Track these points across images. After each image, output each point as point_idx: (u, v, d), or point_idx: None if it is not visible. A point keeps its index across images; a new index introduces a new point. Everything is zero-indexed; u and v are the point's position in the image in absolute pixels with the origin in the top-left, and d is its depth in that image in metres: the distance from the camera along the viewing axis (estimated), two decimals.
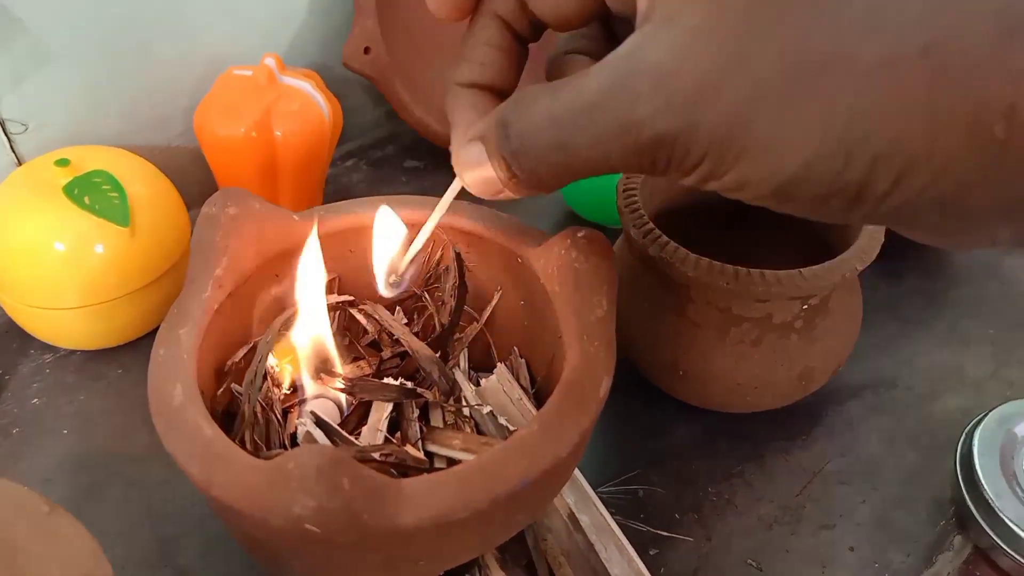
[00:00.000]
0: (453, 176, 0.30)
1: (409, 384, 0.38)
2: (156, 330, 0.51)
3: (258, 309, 0.40)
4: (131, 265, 0.48)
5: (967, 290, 0.56)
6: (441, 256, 0.42)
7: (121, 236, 0.47)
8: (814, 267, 0.40)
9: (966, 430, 0.44)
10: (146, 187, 0.49)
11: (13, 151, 0.52)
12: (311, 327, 0.37)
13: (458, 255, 0.41)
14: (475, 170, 0.28)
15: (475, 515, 0.30)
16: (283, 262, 0.40)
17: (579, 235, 0.36)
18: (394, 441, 0.37)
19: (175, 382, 0.33)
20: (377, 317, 0.41)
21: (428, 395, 0.38)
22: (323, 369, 0.37)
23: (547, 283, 0.38)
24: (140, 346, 0.52)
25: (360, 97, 0.69)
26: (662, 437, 0.47)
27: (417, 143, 0.69)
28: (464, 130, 0.29)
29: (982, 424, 0.44)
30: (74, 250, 0.46)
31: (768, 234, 0.50)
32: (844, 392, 0.49)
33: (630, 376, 0.50)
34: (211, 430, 0.32)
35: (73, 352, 0.52)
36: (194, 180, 0.57)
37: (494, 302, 0.41)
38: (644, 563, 0.38)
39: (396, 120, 0.67)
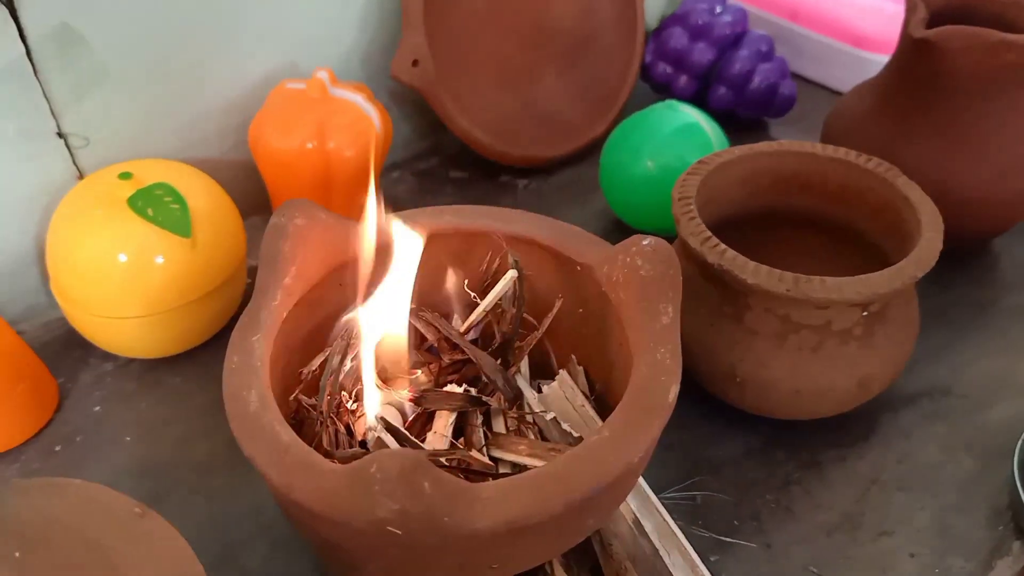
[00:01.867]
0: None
1: (473, 391, 0.39)
2: (214, 339, 0.53)
3: (323, 316, 0.41)
4: (191, 275, 0.49)
5: (1017, 297, 0.56)
6: (499, 264, 0.43)
7: (182, 247, 0.48)
8: (874, 274, 0.41)
9: (1023, 437, 0.44)
10: (205, 199, 0.50)
11: (75, 164, 0.53)
12: (388, 329, 0.38)
13: (516, 263, 0.41)
14: None
15: (549, 520, 0.30)
16: (348, 270, 0.41)
17: (644, 243, 0.37)
18: (459, 446, 0.38)
19: (250, 389, 0.34)
20: (437, 325, 0.42)
21: (492, 402, 0.39)
22: (391, 373, 0.38)
23: (610, 291, 0.38)
24: (198, 355, 0.53)
25: (405, 109, 0.70)
26: (720, 445, 0.47)
27: (462, 154, 0.69)
28: None
29: None
30: (137, 261, 0.47)
31: (825, 243, 0.51)
32: (898, 400, 0.49)
33: (686, 384, 0.50)
34: (288, 435, 0.32)
35: (132, 361, 0.53)
36: (247, 192, 0.58)
37: (554, 310, 0.41)
38: (708, 570, 0.38)
39: (441, 132, 0.68)
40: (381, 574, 0.34)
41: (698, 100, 0.72)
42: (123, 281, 0.48)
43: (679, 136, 0.58)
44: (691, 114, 0.59)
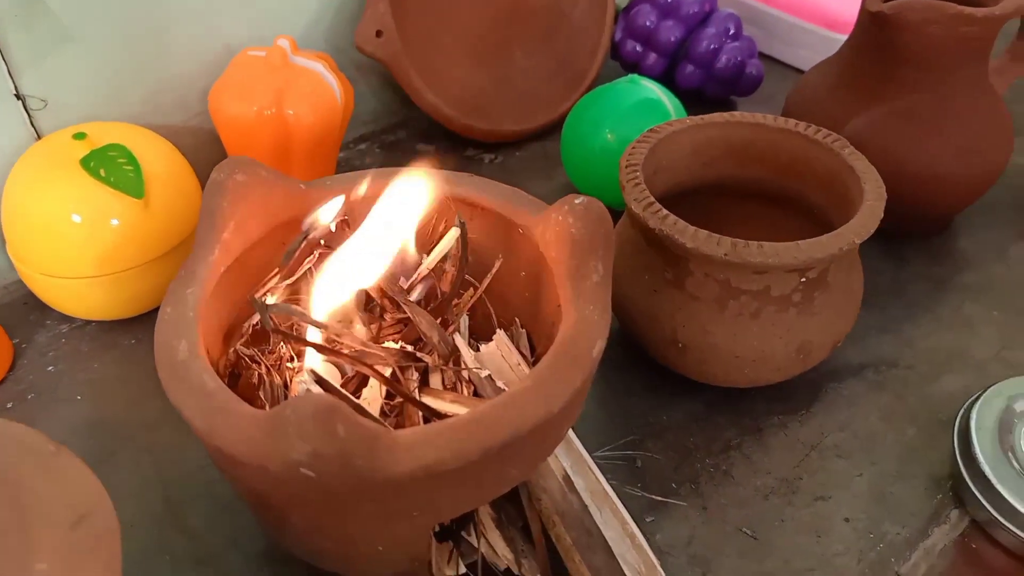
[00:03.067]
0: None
1: (409, 348, 0.39)
2: None
3: (267, 274, 0.41)
4: (145, 237, 0.49)
5: (973, 275, 0.56)
6: (445, 227, 0.43)
7: (136, 208, 0.48)
8: (811, 240, 0.41)
9: (964, 406, 0.44)
10: (161, 162, 0.51)
11: (33, 126, 0.53)
12: (344, 286, 0.39)
13: (463, 225, 0.41)
14: None
15: (467, 466, 0.31)
16: (291, 230, 0.41)
17: (576, 202, 0.37)
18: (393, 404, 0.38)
19: (180, 338, 0.34)
20: (380, 284, 0.42)
21: (428, 359, 0.39)
22: (334, 331, 0.38)
23: (545, 250, 0.39)
24: (153, 318, 0.53)
25: (374, 82, 0.70)
26: (663, 411, 0.47)
27: (429, 127, 0.70)
28: None
29: (980, 400, 0.44)
30: (90, 221, 0.48)
31: (777, 214, 0.51)
32: (845, 370, 0.49)
33: (632, 352, 0.50)
34: (214, 383, 0.33)
35: (88, 323, 0.53)
36: (211, 160, 0.58)
37: (493, 270, 0.42)
38: (640, 529, 0.38)
39: (409, 105, 0.68)
40: (305, 523, 0.34)
41: (667, 78, 0.72)
42: (77, 241, 0.48)
43: (639, 110, 0.58)
44: (652, 89, 0.59)
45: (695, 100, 0.71)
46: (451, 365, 0.40)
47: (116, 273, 0.49)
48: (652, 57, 0.71)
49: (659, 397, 0.48)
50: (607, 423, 0.47)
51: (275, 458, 0.30)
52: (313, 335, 0.38)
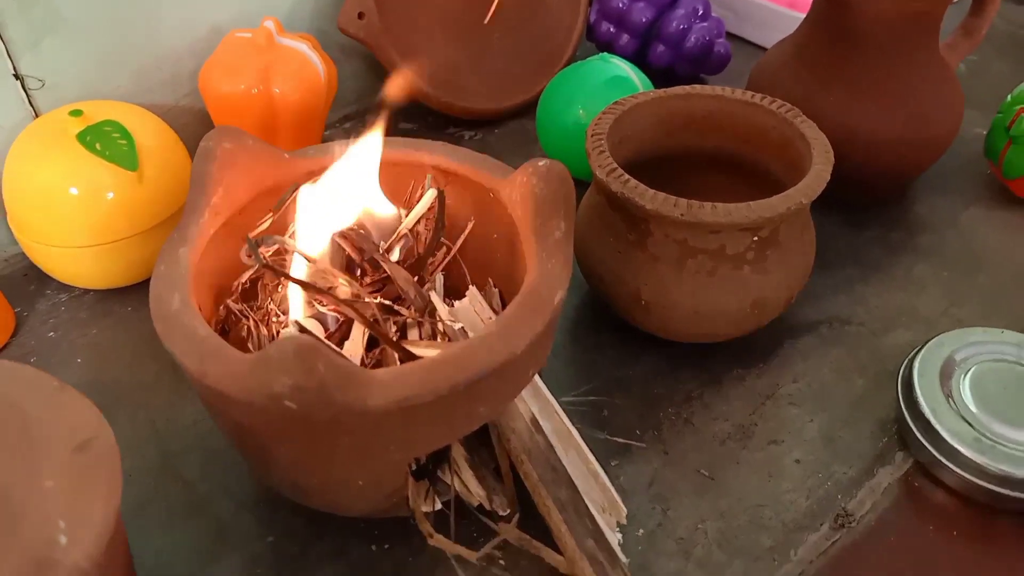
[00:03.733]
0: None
1: (387, 302, 0.42)
2: None
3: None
4: (138, 208, 0.52)
5: (925, 239, 0.59)
6: (422, 193, 0.46)
7: (130, 180, 0.51)
8: (762, 200, 0.44)
9: (909, 356, 0.47)
10: (153, 137, 0.53)
11: (31, 105, 0.56)
12: (321, 245, 0.41)
13: (441, 192, 0.44)
14: None
15: (437, 401, 0.34)
16: (276, 196, 0.44)
17: (540, 164, 0.40)
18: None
19: (173, 292, 0.37)
20: (361, 245, 0.45)
21: (405, 312, 0.42)
22: (318, 288, 0.41)
23: (512, 210, 0.42)
24: (147, 287, 0.56)
25: (358, 64, 0.73)
26: (628, 366, 0.50)
27: (412, 108, 0.72)
28: None
29: (924, 350, 0.47)
30: (87, 192, 0.50)
31: (737, 182, 0.54)
32: (801, 327, 0.53)
33: (600, 313, 0.53)
34: (204, 330, 0.36)
35: (86, 292, 0.56)
36: (199, 137, 0.60)
37: (466, 231, 0.45)
38: (603, 470, 0.41)
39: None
40: (289, 460, 0.37)
41: (639, 58, 0.75)
42: (74, 212, 0.51)
43: (609, 87, 0.61)
44: (622, 67, 0.62)
45: (666, 79, 0.74)
46: (427, 318, 0.43)
47: (111, 243, 0.52)
48: (625, 38, 0.74)
49: (626, 354, 0.51)
50: (576, 377, 0.50)
51: (260, 392, 0.32)
52: (299, 270, 0.41)
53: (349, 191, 0.43)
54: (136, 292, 0.56)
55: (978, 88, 0.72)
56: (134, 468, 0.45)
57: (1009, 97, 0.61)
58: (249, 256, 0.40)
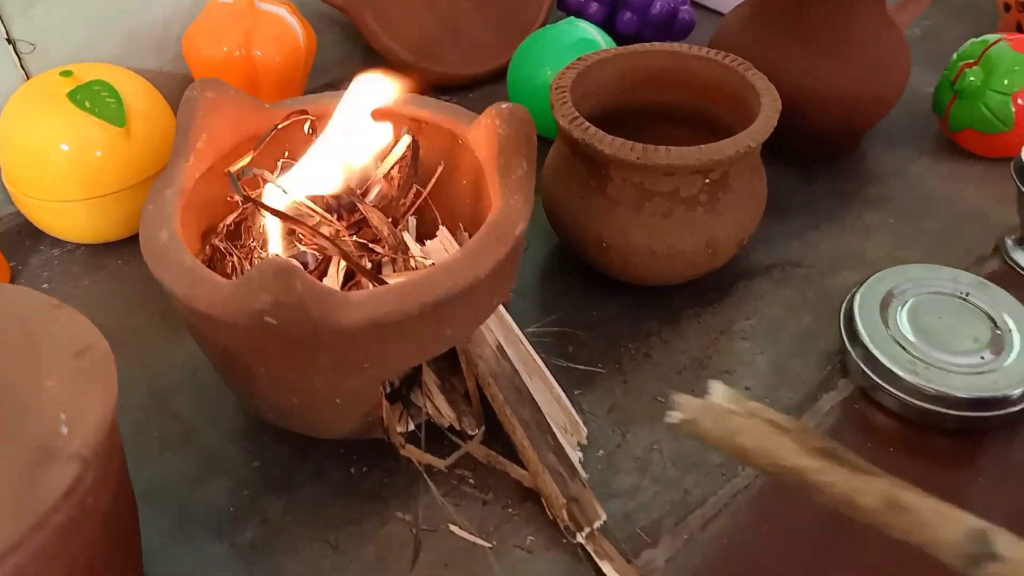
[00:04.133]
0: None
1: (364, 241, 0.45)
2: None
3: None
4: (127, 163, 0.55)
5: (876, 188, 0.63)
6: (395, 139, 0.49)
7: (118, 136, 0.54)
8: (711, 144, 0.47)
9: (851, 291, 0.51)
10: (140, 98, 0.56)
11: (23, 68, 0.58)
12: (306, 187, 0.44)
13: (414, 140, 0.47)
14: None
15: (408, 319, 0.37)
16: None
17: (503, 107, 0.43)
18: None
19: (161, 227, 0.40)
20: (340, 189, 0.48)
21: (379, 249, 0.45)
22: (297, 229, 0.44)
23: (478, 151, 0.45)
24: (136, 242, 0.58)
25: (337, 33, 0.76)
26: (593, 308, 0.54)
27: (389, 73, 0.75)
28: None
29: (865, 284, 0.50)
30: (77, 148, 0.53)
31: (696, 135, 0.57)
32: (754, 270, 0.56)
33: (567, 261, 0.57)
34: (191, 261, 0.39)
35: (78, 247, 0.59)
36: None
37: (436, 174, 0.48)
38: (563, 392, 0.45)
39: (370, 54, 0.74)
40: (271, 379, 0.40)
41: (607, 25, 0.78)
42: (66, 167, 0.53)
43: (577, 48, 0.64)
44: (589, 30, 0.65)
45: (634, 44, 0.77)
46: (400, 255, 0.46)
47: (101, 196, 0.55)
48: (594, 6, 0.77)
49: (591, 298, 0.54)
50: (544, 320, 0.53)
51: (244, 312, 0.35)
52: (278, 201, 0.44)
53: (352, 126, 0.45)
54: (126, 247, 0.58)
55: (934, 50, 0.76)
56: (127, 404, 0.48)
57: (955, 55, 0.64)
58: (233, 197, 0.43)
